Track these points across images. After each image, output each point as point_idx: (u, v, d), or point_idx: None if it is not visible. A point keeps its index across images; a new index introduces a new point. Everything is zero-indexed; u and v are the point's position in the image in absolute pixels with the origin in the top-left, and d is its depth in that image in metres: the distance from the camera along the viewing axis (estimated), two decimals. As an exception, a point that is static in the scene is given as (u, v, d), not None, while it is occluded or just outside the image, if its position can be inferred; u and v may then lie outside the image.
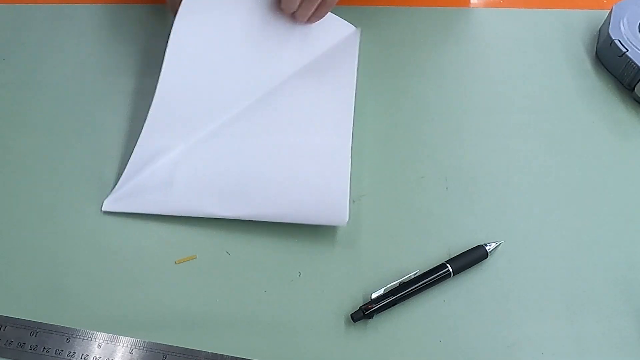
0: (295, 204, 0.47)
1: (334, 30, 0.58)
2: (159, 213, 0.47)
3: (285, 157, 0.49)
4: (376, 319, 0.43)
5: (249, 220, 0.47)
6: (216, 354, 0.41)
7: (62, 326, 0.42)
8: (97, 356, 0.41)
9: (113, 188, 0.49)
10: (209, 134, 0.51)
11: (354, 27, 0.59)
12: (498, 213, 0.49)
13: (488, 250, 0.45)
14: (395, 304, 0.43)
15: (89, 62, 0.58)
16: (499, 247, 0.46)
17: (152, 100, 0.50)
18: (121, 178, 0.48)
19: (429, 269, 0.44)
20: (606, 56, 0.58)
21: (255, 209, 0.47)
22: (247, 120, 0.51)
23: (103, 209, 0.47)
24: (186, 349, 0.41)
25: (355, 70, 0.55)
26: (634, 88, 0.56)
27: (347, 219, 0.46)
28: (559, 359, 0.42)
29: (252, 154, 0.49)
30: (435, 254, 0.46)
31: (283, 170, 0.48)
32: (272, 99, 0.53)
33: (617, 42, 0.56)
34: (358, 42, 0.58)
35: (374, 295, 0.43)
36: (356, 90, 0.53)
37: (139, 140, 0.50)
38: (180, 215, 0.47)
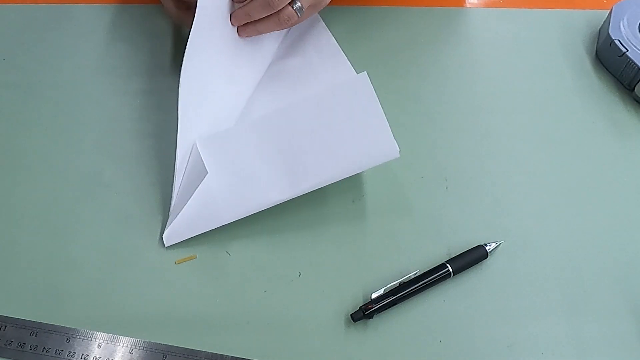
0: (345, 156, 0.47)
1: None
2: (222, 224, 0.46)
3: (313, 118, 0.48)
4: (376, 319, 0.43)
5: (248, 220, 0.47)
6: (216, 354, 0.41)
7: (62, 326, 0.42)
8: (97, 356, 0.41)
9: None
10: (227, 132, 0.50)
11: None
12: (498, 213, 0.49)
13: (488, 250, 0.45)
14: (395, 304, 0.43)
15: (89, 62, 0.58)
16: (499, 247, 0.46)
17: (177, 122, 0.48)
18: (172, 207, 0.47)
19: (429, 269, 0.44)
20: (606, 56, 0.58)
21: (310, 179, 0.46)
22: (260, 105, 0.52)
23: (166, 245, 0.46)
24: (186, 349, 0.41)
25: (323, 24, 0.59)
26: (634, 88, 0.56)
27: (399, 149, 0.46)
28: (559, 359, 0.42)
29: (282, 132, 0.48)
30: (435, 254, 0.46)
31: (317, 131, 0.48)
32: (272, 79, 0.55)
33: (617, 42, 0.56)
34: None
35: (374, 295, 0.43)
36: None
37: (177, 163, 0.48)
38: (243, 216, 0.47)
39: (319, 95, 0.49)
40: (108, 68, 0.58)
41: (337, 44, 0.57)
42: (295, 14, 0.51)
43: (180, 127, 0.47)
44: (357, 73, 0.54)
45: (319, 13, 0.59)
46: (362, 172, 0.50)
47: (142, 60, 0.58)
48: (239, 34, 0.52)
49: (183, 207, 0.46)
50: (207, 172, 0.46)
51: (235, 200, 0.47)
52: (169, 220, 0.47)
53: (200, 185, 0.46)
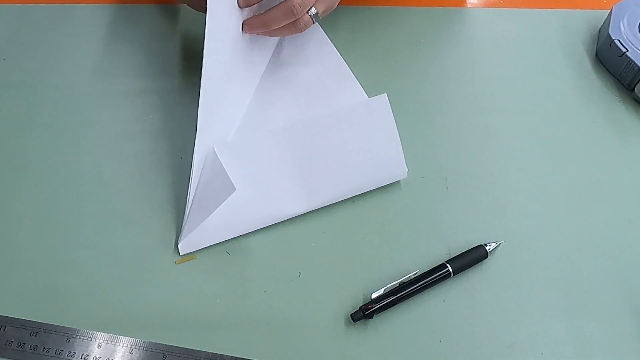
0: (359, 175, 0.48)
1: None
2: (238, 235, 0.47)
3: (332, 135, 0.48)
4: (376, 319, 0.43)
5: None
6: (216, 354, 0.41)
7: (62, 326, 0.42)
8: (97, 356, 0.41)
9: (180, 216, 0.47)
10: (244, 140, 0.49)
11: None
12: (498, 213, 0.49)
13: (488, 250, 0.45)
14: (395, 304, 0.43)
15: (89, 62, 0.58)
16: (499, 247, 0.46)
17: (196, 126, 0.46)
18: (187, 215, 0.46)
19: (429, 269, 0.44)
20: (606, 56, 0.58)
21: (326, 194, 0.48)
22: (273, 116, 0.52)
23: (181, 253, 0.45)
24: (186, 349, 0.41)
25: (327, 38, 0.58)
26: (634, 88, 0.56)
27: (407, 170, 0.49)
28: (559, 359, 0.42)
29: (301, 145, 0.48)
30: (435, 254, 0.46)
31: (335, 147, 0.48)
32: (279, 88, 0.54)
33: (617, 42, 0.56)
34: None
35: (374, 295, 0.43)
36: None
37: (193, 168, 0.46)
38: (259, 228, 0.47)
39: (338, 113, 0.49)
40: (108, 68, 0.58)
41: (334, 48, 0.57)
42: (311, 20, 0.51)
43: (198, 132, 0.46)
44: (355, 75, 0.55)
45: None
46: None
47: (142, 60, 0.58)
48: (243, 29, 0.51)
49: (203, 217, 0.45)
50: (232, 185, 0.43)
51: (254, 211, 0.47)
52: (185, 229, 0.46)
53: (226, 199, 0.44)
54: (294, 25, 0.51)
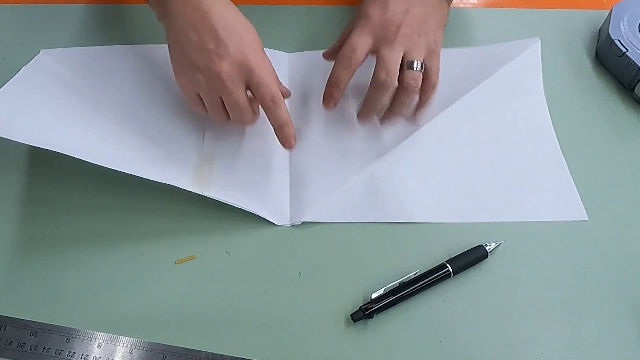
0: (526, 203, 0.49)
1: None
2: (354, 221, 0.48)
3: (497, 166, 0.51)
4: (376, 319, 0.43)
5: (248, 220, 0.47)
6: (216, 354, 0.41)
7: (62, 326, 0.42)
8: (97, 356, 0.41)
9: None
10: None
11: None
12: (498, 213, 0.49)
13: (488, 250, 0.45)
14: (395, 304, 0.43)
15: (89, 62, 0.58)
16: (499, 247, 0.46)
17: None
18: (313, 191, 0.49)
19: (429, 269, 0.44)
20: (606, 56, 0.58)
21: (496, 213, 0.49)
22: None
23: (297, 221, 0.47)
24: (186, 349, 0.41)
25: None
26: (634, 88, 0.56)
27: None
28: (559, 359, 0.42)
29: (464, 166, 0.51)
30: (435, 254, 0.46)
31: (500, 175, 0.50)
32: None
33: (617, 42, 0.56)
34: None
35: (374, 295, 0.43)
36: None
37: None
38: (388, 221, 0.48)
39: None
40: (108, 68, 0.58)
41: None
42: (420, 74, 0.48)
43: None
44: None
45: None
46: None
47: (142, 60, 0.58)
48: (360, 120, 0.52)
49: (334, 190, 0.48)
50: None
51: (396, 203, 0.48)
52: (302, 204, 0.48)
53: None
54: (406, 96, 0.48)
